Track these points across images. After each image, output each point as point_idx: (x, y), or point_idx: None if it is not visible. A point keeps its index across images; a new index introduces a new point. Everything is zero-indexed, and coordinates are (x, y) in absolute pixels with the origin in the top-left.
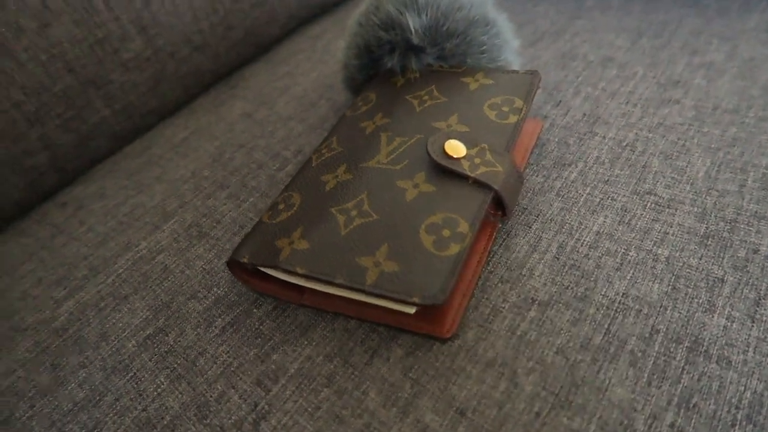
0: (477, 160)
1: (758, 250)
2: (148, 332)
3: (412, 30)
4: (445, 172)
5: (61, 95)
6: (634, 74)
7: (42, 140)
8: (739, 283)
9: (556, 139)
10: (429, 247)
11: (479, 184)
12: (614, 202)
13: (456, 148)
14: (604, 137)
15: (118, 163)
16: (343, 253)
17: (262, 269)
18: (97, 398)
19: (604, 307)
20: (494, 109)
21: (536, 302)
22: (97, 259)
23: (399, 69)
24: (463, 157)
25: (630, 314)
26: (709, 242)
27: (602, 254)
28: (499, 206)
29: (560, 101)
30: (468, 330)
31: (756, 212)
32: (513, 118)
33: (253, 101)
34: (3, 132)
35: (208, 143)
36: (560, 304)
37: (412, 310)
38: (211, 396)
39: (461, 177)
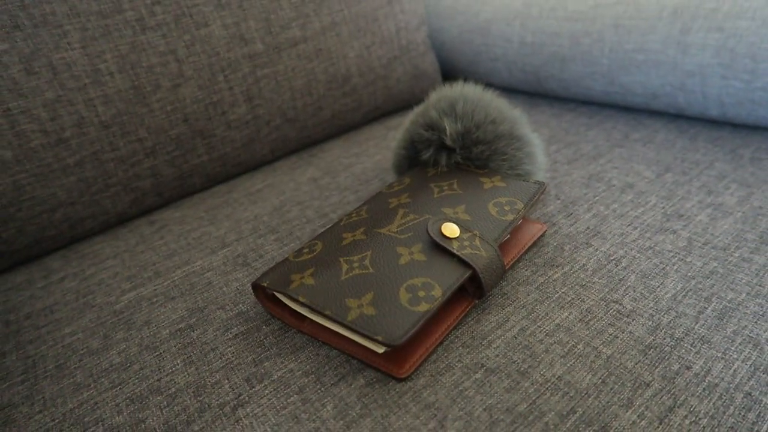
0: (466, 243)
1: (690, 368)
2: (180, 326)
3: (448, 133)
4: (438, 247)
5: (174, 138)
6: (646, 202)
7: (151, 169)
8: (661, 390)
9: (555, 244)
10: (404, 302)
11: (462, 262)
12: (582, 303)
13: (451, 229)
14: (596, 249)
15: (203, 199)
16: (337, 293)
17: (276, 295)
18: (128, 365)
19: (538, 384)
20: (497, 207)
21: (484, 368)
22: (162, 266)
23: (432, 162)
24: (455, 238)
25: (557, 394)
26: (651, 352)
27: (554, 342)
28: (479, 286)
29: (571, 213)
30: (421, 377)
31: (702, 336)
32: (510, 216)
33: (322, 170)
34: (124, 158)
35: (275, 197)
36: (503, 374)
37: (381, 350)
38: (209, 381)
39: (449, 254)
